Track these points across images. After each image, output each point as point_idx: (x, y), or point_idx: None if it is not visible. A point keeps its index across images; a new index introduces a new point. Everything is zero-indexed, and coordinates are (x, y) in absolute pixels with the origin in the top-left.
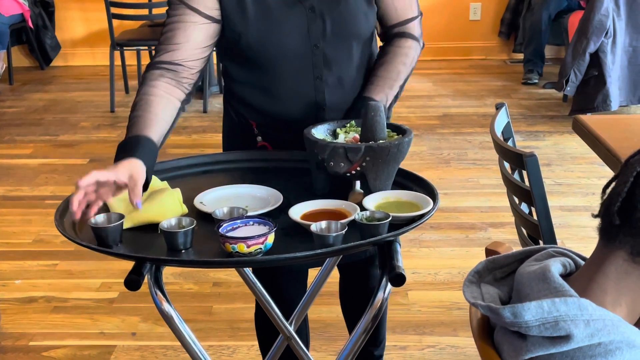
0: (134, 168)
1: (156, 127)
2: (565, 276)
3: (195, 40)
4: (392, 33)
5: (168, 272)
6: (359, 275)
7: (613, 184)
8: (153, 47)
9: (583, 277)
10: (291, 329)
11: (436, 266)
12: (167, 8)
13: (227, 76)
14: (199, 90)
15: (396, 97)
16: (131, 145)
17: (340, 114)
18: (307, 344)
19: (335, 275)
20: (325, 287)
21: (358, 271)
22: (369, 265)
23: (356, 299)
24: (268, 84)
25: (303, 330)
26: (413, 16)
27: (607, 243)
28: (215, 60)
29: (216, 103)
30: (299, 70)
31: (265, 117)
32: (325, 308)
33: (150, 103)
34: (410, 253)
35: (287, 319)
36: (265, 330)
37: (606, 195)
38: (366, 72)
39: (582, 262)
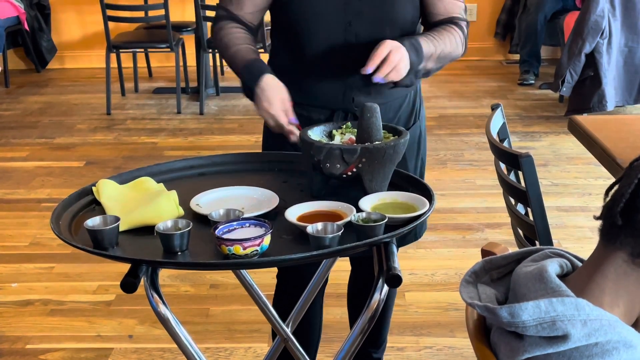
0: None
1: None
2: (562, 277)
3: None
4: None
5: (164, 275)
6: (370, 269)
7: (616, 187)
8: (150, 50)
9: (581, 277)
10: (288, 330)
11: (433, 267)
12: None
13: (273, 54)
14: (195, 92)
15: (426, 74)
16: (260, 67)
17: (368, 97)
18: (317, 346)
19: (332, 276)
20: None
21: (369, 266)
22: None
23: (364, 295)
24: (303, 55)
25: (316, 332)
26: (460, 11)
27: (608, 244)
28: (211, 63)
29: (213, 105)
30: (331, 45)
31: (297, 92)
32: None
33: (239, 37)
34: (407, 254)
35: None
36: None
37: (609, 197)
38: None
39: (579, 264)
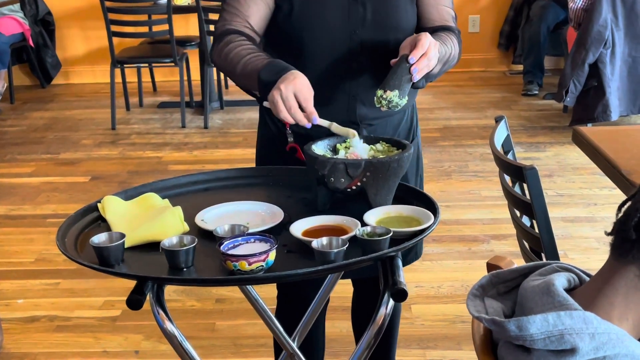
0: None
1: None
2: (569, 291)
3: (254, 15)
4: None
5: (170, 289)
6: (373, 291)
7: (629, 203)
8: (154, 64)
9: (589, 290)
10: (294, 345)
11: (439, 279)
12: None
13: None
14: (199, 107)
15: (433, 78)
16: (282, 64)
17: (372, 108)
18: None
19: (337, 290)
20: (329, 302)
21: (372, 287)
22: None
23: (368, 316)
24: (305, 67)
25: (320, 345)
26: (452, 20)
27: (619, 258)
28: (215, 77)
29: (217, 119)
30: (335, 55)
31: None
32: (328, 323)
33: (250, 47)
34: (414, 267)
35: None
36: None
37: (622, 213)
38: None
39: (587, 278)
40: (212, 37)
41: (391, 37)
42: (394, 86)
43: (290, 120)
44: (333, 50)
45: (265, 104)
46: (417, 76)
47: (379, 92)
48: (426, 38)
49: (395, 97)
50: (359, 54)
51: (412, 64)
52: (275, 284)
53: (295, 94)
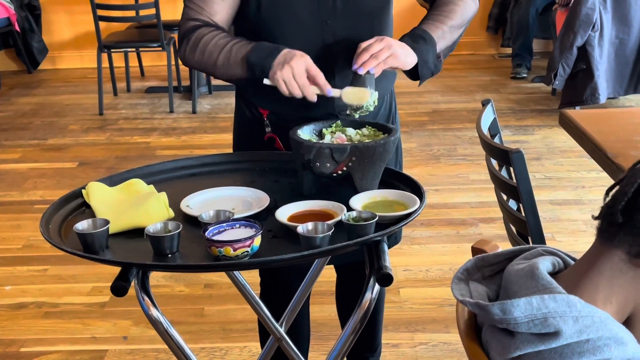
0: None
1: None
2: (554, 275)
3: (219, 13)
4: None
5: (159, 275)
6: (356, 277)
7: (617, 188)
8: (141, 49)
9: (574, 274)
10: (282, 330)
11: (427, 263)
12: None
13: None
14: (187, 91)
15: (452, 47)
16: (272, 45)
17: None
18: (308, 344)
19: (325, 274)
20: (317, 287)
21: (355, 273)
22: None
23: (352, 301)
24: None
25: (305, 330)
26: None
27: (605, 242)
28: None
29: (205, 104)
30: (308, 46)
31: (273, 99)
32: (317, 307)
33: (227, 36)
34: (402, 250)
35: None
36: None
37: (610, 197)
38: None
39: (571, 262)
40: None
41: (364, 24)
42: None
43: (300, 95)
44: (305, 42)
45: (267, 81)
46: (362, 70)
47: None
48: (377, 42)
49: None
50: (331, 44)
51: (356, 68)
52: (259, 270)
53: (307, 69)
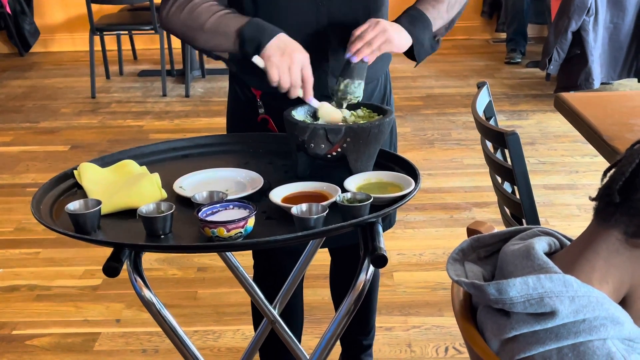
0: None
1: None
2: (550, 255)
3: None
4: None
5: (152, 258)
6: (351, 260)
7: (614, 169)
8: (134, 32)
9: (570, 254)
10: (275, 312)
11: (421, 247)
12: None
13: None
14: (180, 75)
15: (449, 26)
16: (270, 26)
17: None
18: (301, 328)
19: (318, 258)
20: (310, 270)
21: (349, 256)
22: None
23: (347, 284)
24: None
25: (299, 313)
26: None
27: (602, 222)
28: None
29: (198, 87)
30: (302, 29)
31: (265, 78)
32: (310, 291)
33: (221, 5)
34: (395, 234)
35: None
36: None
37: (607, 177)
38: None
39: (567, 242)
40: None
41: (359, 5)
42: (355, 77)
43: (285, 89)
44: (300, 24)
45: (257, 60)
46: (356, 58)
47: (342, 87)
48: (371, 26)
49: (356, 90)
50: (326, 26)
51: (349, 56)
52: (252, 253)
53: (303, 68)
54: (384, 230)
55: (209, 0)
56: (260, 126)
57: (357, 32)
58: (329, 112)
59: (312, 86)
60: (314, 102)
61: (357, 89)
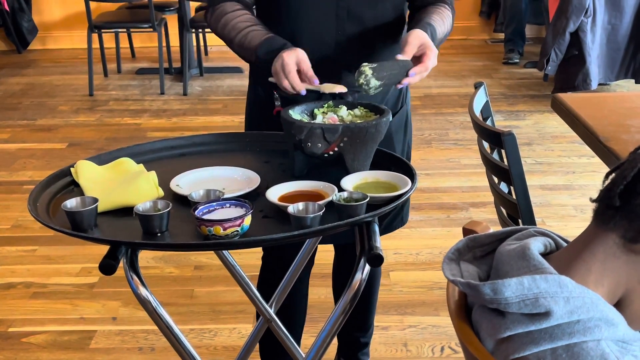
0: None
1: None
2: (545, 256)
3: None
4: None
5: (149, 256)
6: (353, 256)
7: (616, 172)
8: (132, 30)
9: (567, 255)
10: (272, 311)
11: (418, 246)
12: None
13: None
14: (178, 73)
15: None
16: (281, 41)
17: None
18: (302, 328)
19: (317, 256)
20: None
21: (353, 252)
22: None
23: (348, 277)
24: (292, 32)
25: (301, 313)
26: None
27: (601, 224)
28: (194, 43)
29: (196, 86)
30: (322, 24)
31: None
32: None
33: (248, 19)
34: (392, 234)
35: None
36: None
37: (609, 180)
38: (396, 37)
39: (563, 243)
40: (191, 3)
41: (379, 4)
42: (382, 77)
43: (291, 90)
44: (319, 20)
45: (271, 79)
46: (405, 82)
47: (366, 70)
48: (433, 55)
49: (374, 82)
50: (345, 22)
51: (410, 78)
52: (259, 253)
53: (298, 62)
54: (396, 228)
55: (238, 12)
56: (277, 119)
57: (426, 59)
58: (332, 85)
59: (312, 71)
60: (317, 82)
61: (375, 83)
